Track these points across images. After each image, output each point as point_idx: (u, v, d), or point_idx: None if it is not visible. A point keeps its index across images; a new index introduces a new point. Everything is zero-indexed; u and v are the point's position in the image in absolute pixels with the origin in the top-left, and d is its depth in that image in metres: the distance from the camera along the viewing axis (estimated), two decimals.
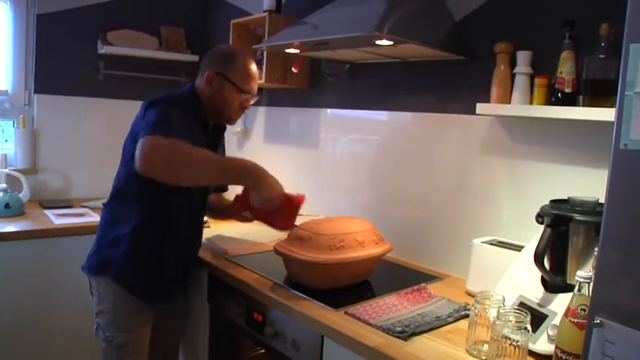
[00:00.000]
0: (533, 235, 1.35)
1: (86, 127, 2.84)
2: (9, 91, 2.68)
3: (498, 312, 1.13)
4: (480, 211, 1.75)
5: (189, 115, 1.60)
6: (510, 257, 1.47)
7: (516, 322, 1.10)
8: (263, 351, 1.80)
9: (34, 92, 2.70)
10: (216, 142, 1.78)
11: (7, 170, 2.55)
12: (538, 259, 1.22)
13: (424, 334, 1.28)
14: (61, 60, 2.73)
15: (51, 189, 2.76)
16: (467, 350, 1.20)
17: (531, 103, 1.51)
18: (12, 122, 2.71)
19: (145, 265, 1.64)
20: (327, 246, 1.52)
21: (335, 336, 1.31)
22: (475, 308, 1.21)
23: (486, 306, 1.20)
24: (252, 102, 1.76)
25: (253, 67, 1.72)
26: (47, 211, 2.46)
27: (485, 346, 1.18)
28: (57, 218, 2.34)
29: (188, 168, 1.42)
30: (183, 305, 1.92)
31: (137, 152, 1.37)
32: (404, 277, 1.80)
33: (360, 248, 1.57)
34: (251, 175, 1.51)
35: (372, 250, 1.60)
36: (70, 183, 2.82)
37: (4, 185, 2.41)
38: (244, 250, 1.96)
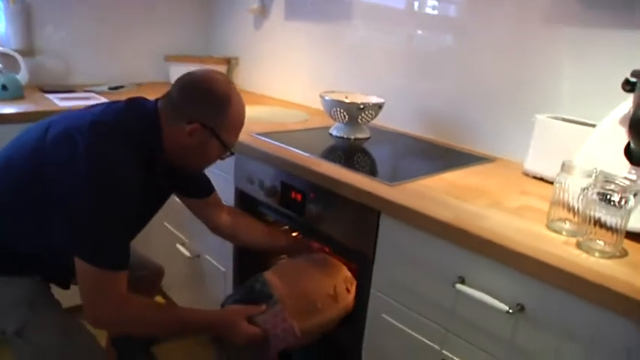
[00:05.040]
0: (602, 115, 1.23)
1: (87, 5, 2.56)
2: None
3: (587, 186, 0.99)
4: (539, 88, 1.56)
5: (133, 178, 1.14)
6: (583, 133, 1.31)
7: (606, 196, 0.96)
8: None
9: None
10: (170, 184, 1.40)
11: (0, 49, 2.30)
12: (634, 126, 1.06)
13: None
14: None
15: (51, 73, 2.52)
16: (547, 226, 1.08)
17: None
18: None
19: None
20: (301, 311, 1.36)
21: (395, 211, 1.17)
22: (560, 183, 1.07)
23: (573, 176, 1.05)
24: None
25: (245, 113, 1.31)
26: (49, 95, 2.25)
27: (568, 224, 1.05)
28: (61, 101, 2.15)
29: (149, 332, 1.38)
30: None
31: (82, 295, 1.12)
32: (446, 158, 1.65)
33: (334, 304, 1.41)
34: (211, 331, 1.41)
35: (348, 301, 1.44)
36: (71, 68, 2.57)
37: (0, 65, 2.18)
38: (268, 128, 1.81)
